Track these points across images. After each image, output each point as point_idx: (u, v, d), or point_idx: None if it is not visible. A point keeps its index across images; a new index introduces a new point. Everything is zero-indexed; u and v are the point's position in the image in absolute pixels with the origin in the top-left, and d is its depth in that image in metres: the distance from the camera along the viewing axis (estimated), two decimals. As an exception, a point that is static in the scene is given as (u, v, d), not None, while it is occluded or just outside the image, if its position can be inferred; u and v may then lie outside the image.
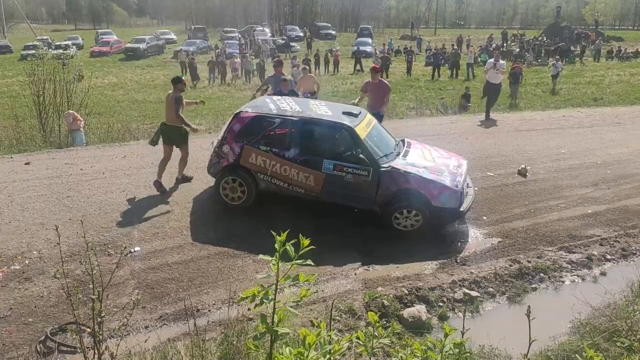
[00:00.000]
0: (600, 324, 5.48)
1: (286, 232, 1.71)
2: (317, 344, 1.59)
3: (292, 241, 1.70)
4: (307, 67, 13.93)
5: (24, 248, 6.72)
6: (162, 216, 7.68)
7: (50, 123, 15.55)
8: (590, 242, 7.51)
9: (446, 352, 1.93)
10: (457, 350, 1.91)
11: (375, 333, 2.05)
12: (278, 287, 1.70)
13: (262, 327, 1.66)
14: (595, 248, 7.36)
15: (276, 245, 1.64)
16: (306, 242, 1.68)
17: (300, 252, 1.65)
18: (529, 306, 2.24)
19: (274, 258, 1.65)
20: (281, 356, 1.53)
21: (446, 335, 1.97)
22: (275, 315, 1.67)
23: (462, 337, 2.04)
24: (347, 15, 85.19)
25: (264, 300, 1.64)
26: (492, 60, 15.39)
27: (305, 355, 1.48)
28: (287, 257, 1.69)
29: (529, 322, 2.12)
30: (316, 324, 1.82)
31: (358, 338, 1.98)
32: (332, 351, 1.56)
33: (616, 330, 5.17)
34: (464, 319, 2.25)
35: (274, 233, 1.72)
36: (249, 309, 5.68)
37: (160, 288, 6.07)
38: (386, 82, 10.72)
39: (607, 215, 8.22)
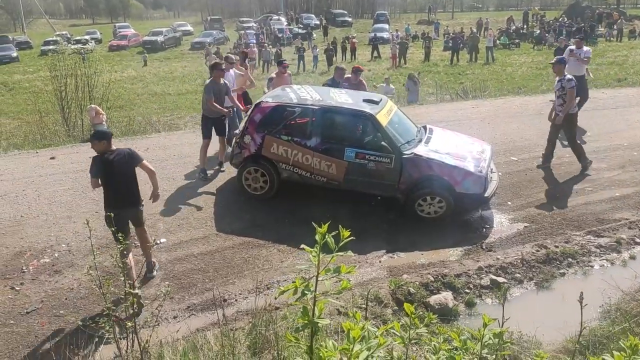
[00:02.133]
0: (631, 308, 5.40)
1: (327, 224, 1.70)
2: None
3: (333, 233, 1.68)
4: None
5: (52, 241, 6.84)
6: (186, 207, 7.74)
7: (73, 118, 15.76)
8: (618, 225, 7.38)
9: (485, 342, 1.90)
10: (497, 340, 1.88)
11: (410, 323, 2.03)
12: (318, 279, 1.70)
13: (303, 319, 1.66)
14: (623, 231, 7.23)
15: (316, 237, 1.63)
16: (346, 233, 1.66)
17: (341, 244, 1.64)
18: (581, 292, 2.20)
19: (314, 249, 1.64)
20: (326, 351, 1.52)
21: (485, 325, 1.94)
22: (315, 308, 1.67)
23: (502, 326, 2.01)
24: (363, 2, 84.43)
25: (306, 292, 1.64)
26: (571, 46, 12.61)
27: (350, 349, 1.47)
28: (326, 248, 1.68)
29: (582, 308, 2.08)
30: (351, 314, 1.81)
31: (393, 328, 1.96)
32: (377, 345, 1.55)
33: (648, 315, 5.09)
34: (503, 308, 2.22)
35: (315, 224, 1.71)
36: (275, 298, 5.72)
37: (187, 279, 6.14)
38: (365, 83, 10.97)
39: (635, 198, 8.07)
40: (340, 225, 1.75)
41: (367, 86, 10.96)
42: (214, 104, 8.43)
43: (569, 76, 8.60)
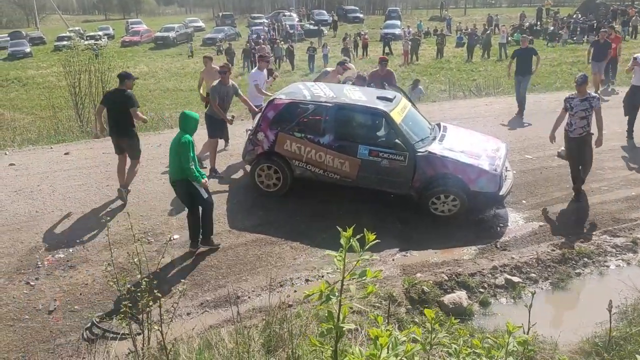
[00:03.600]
0: (648, 309, 5.32)
1: (352, 228, 1.68)
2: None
3: (358, 236, 1.66)
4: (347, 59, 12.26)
5: (67, 237, 6.87)
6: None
7: (87, 113, 15.84)
8: (635, 225, 7.29)
9: (509, 350, 1.86)
10: (522, 348, 1.85)
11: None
12: (343, 283, 1.68)
13: (328, 324, 1.64)
14: (640, 231, 7.15)
15: (342, 241, 1.61)
16: (372, 237, 1.64)
17: (366, 247, 1.61)
18: (610, 301, 2.16)
19: (339, 254, 1.62)
20: (352, 356, 1.50)
21: (510, 333, 1.90)
22: (340, 312, 1.65)
23: (527, 334, 1.97)
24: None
25: (331, 297, 1.62)
26: (637, 55, 11.29)
27: (377, 356, 1.45)
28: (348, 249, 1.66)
29: (610, 316, 2.04)
30: (373, 317, 1.78)
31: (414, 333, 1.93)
32: (404, 352, 1.53)
33: (666, 317, 5.02)
34: (529, 314, 2.18)
35: (339, 229, 1.69)
36: (287, 295, 5.71)
37: (200, 275, 6.14)
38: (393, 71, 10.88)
39: (652, 198, 7.97)
40: (365, 229, 1.72)
41: (395, 77, 10.74)
42: (218, 107, 8.45)
43: (594, 93, 7.94)
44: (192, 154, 6.05)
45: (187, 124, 6.19)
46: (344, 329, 1.60)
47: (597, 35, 16.39)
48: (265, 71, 9.98)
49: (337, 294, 1.63)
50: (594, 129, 7.65)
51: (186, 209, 6.50)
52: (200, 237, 6.54)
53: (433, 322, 1.85)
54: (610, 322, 2.17)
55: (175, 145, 6.06)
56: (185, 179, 6.12)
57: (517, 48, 13.51)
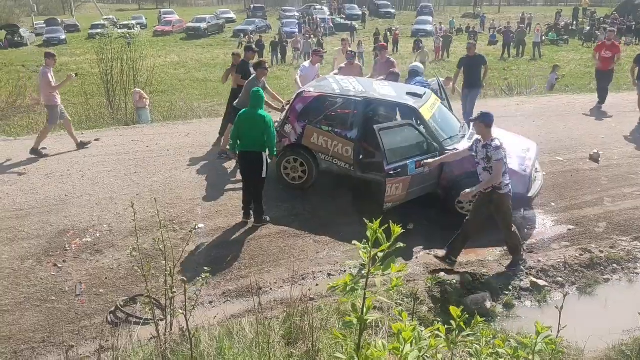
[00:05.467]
0: (679, 319, 5.16)
1: (379, 219, 1.65)
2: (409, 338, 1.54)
3: (383, 227, 1.64)
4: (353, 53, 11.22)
5: (95, 221, 6.99)
6: (225, 194, 7.79)
7: (118, 101, 16.07)
8: (668, 232, 7.09)
9: (537, 350, 1.82)
10: (551, 349, 1.80)
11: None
12: (369, 276, 1.65)
13: (353, 316, 1.62)
14: (673, 239, 6.94)
15: (368, 233, 1.58)
16: (397, 229, 1.61)
17: (392, 241, 1.59)
18: None
19: (366, 245, 1.60)
20: (375, 350, 1.48)
21: (538, 334, 1.85)
22: (364, 305, 1.62)
23: (558, 335, 1.92)
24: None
25: (356, 288, 1.60)
26: None
27: (400, 350, 1.43)
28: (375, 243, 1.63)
29: None
30: (397, 312, 1.76)
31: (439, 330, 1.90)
32: (428, 347, 1.50)
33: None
34: (559, 316, 2.12)
35: (366, 220, 1.66)
36: (309, 289, 5.71)
37: (223, 265, 6.18)
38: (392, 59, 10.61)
39: (687, 205, 7.73)
40: (390, 222, 1.69)
41: (395, 64, 10.36)
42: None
43: (497, 141, 5.76)
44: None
45: (259, 101, 6.68)
46: (367, 321, 1.58)
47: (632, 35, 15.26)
48: (317, 66, 9.91)
49: (362, 286, 1.61)
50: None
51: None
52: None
53: (459, 319, 1.81)
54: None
55: (260, 120, 6.52)
56: (260, 153, 6.61)
57: (464, 56, 11.57)
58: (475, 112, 8.29)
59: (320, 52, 10.73)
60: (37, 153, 9.26)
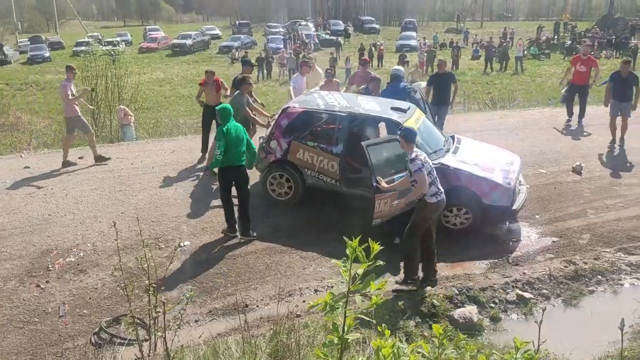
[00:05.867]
0: (663, 330, 5.21)
1: (358, 237, 1.65)
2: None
3: (363, 246, 1.64)
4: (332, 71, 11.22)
5: (78, 240, 6.92)
6: (210, 211, 7.76)
7: (102, 118, 15.99)
8: (650, 243, 7.16)
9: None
10: (532, 363, 1.80)
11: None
12: (349, 294, 1.65)
13: (334, 335, 1.61)
14: (656, 250, 7.01)
15: (347, 251, 1.58)
16: (376, 246, 1.62)
17: (371, 258, 1.59)
18: (622, 319, 2.11)
19: (345, 264, 1.60)
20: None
21: (517, 349, 1.86)
22: (345, 324, 1.62)
23: (537, 350, 1.93)
24: (391, 9, 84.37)
25: (336, 308, 1.59)
26: None
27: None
28: (355, 259, 1.63)
29: (622, 335, 1.99)
30: (380, 329, 1.76)
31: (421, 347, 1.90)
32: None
33: (682, 338, 4.91)
34: (539, 330, 2.13)
35: (345, 238, 1.67)
36: (296, 305, 5.68)
37: (209, 282, 6.14)
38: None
39: (669, 215, 7.83)
40: (369, 239, 1.70)
41: (377, 78, 10.33)
42: (251, 114, 8.53)
43: (419, 154, 5.69)
44: None
45: (228, 116, 6.73)
46: (348, 340, 1.58)
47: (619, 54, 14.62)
48: (305, 77, 10.06)
49: (342, 305, 1.60)
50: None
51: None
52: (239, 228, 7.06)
53: (441, 337, 1.82)
54: (622, 342, 2.11)
55: (243, 133, 6.81)
56: (244, 166, 6.92)
57: (433, 73, 11.35)
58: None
59: (309, 63, 10.91)
60: (67, 164, 9.70)
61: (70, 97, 9.44)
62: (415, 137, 5.78)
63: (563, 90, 13.16)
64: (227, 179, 6.82)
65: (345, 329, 1.60)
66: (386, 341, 1.56)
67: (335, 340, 1.57)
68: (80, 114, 9.81)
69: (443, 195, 5.78)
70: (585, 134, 11.88)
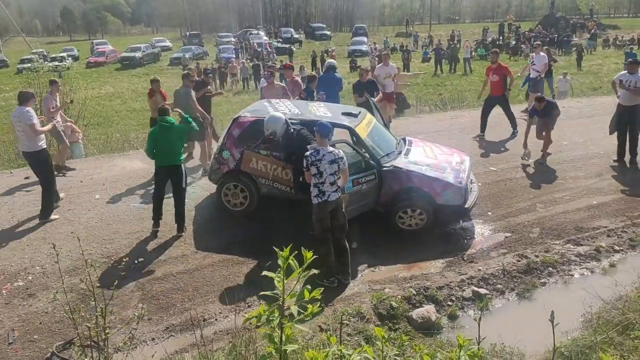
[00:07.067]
0: (612, 317, 5.40)
1: (289, 247, 1.64)
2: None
3: (295, 253, 1.62)
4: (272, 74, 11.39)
5: (26, 264, 6.66)
6: (165, 225, 7.60)
7: (49, 136, 15.46)
8: (597, 233, 7.42)
9: (462, 363, 1.84)
10: (474, 360, 1.83)
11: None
12: (284, 305, 1.63)
13: (270, 347, 1.59)
14: (602, 240, 7.27)
15: (279, 262, 1.57)
16: (309, 254, 1.61)
17: (304, 267, 1.58)
18: (552, 312, 2.16)
19: (278, 275, 1.58)
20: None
21: (460, 347, 1.88)
22: (283, 334, 1.60)
23: (478, 347, 1.95)
24: (341, 15, 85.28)
25: (271, 319, 1.58)
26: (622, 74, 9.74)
27: (316, 378, 1.41)
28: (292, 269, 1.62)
29: (553, 328, 2.03)
30: (326, 337, 1.75)
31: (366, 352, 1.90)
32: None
33: (629, 323, 5.09)
34: (479, 328, 2.16)
35: (276, 249, 1.65)
36: (242, 324, 5.61)
37: (166, 299, 6.01)
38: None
39: (613, 206, 8.14)
40: (302, 247, 1.69)
41: (301, 84, 10.70)
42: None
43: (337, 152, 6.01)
44: None
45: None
46: (287, 351, 1.56)
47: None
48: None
49: (277, 316, 1.59)
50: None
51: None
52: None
53: (384, 340, 1.82)
54: (554, 335, 2.16)
55: (179, 132, 7.14)
56: (180, 164, 7.20)
57: (356, 82, 10.82)
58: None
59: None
60: (62, 169, 10.11)
61: (51, 109, 9.69)
62: (329, 133, 6.22)
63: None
64: (158, 178, 7.35)
65: (284, 338, 1.58)
66: (327, 348, 1.55)
67: (273, 352, 1.55)
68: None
69: (326, 197, 5.97)
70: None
